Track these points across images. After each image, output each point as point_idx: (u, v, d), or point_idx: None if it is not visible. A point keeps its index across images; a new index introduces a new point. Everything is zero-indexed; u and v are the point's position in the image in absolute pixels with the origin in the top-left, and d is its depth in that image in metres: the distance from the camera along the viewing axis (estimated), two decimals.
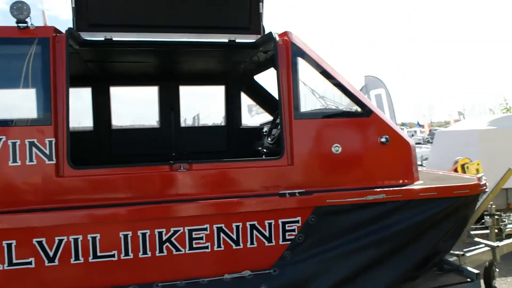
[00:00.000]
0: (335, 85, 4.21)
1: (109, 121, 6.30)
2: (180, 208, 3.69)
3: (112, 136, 6.31)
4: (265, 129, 6.18)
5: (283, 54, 4.13)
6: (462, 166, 6.26)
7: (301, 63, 4.17)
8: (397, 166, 4.30)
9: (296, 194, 3.75)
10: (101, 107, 6.21)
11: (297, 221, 3.77)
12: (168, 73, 6.32)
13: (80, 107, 6.28)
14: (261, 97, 6.69)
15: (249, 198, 3.71)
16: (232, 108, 6.71)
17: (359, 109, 4.23)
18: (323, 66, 4.22)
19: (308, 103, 4.22)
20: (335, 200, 3.78)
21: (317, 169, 4.06)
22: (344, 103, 4.35)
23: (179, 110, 6.51)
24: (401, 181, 4.24)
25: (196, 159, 3.96)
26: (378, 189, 3.91)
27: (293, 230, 3.77)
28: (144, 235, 3.60)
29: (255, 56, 5.47)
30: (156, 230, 3.62)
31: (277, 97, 6.43)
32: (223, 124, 6.81)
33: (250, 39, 4.80)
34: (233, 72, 6.39)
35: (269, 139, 5.20)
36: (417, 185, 4.20)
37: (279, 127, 4.98)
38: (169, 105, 6.43)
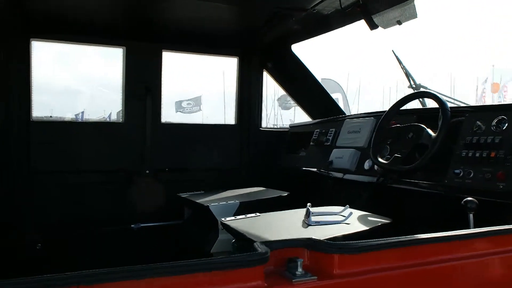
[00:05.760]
0: None
1: (27, 108, 3.32)
2: None
3: (32, 137, 3.33)
4: (317, 135, 3.53)
5: None
6: None
7: None
8: None
9: None
10: (12, 79, 3.22)
11: None
12: (145, 23, 3.46)
13: None
14: (299, 81, 4.01)
15: None
16: (250, 96, 3.97)
17: None
18: None
19: None
20: None
21: None
22: None
23: (160, 93, 3.66)
24: None
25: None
26: None
27: None
28: None
29: None
30: None
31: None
32: (232, 122, 4.04)
33: None
34: (260, 33, 3.65)
35: (381, 159, 2.54)
36: None
37: (424, 136, 2.33)
38: (143, 84, 3.57)
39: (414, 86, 3.44)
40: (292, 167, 3.72)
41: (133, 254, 3.48)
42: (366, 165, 2.82)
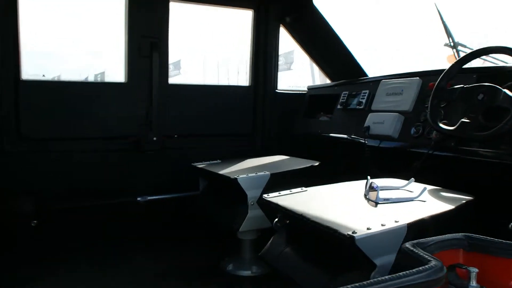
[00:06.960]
0: None
1: (16, 65, 2.86)
2: None
3: (22, 99, 2.89)
4: (345, 97, 3.18)
5: None
6: None
7: None
8: None
9: None
10: None
11: None
12: None
13: None
14: (321, 39, 3.62)
15: None
16: (266, 54, 3.57)
17: None
18: None
19: None
20: None
21: None
22: None
23: (167, 49, 3.24)
24: None
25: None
26: None
27: None
28: None
29: None
30: None
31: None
32: (245, 84, 3.66)
33: None
34: None
35: (442, 124, 2.20)
36: None
37: (502, 98, 1.99)
38: (149, 39, 3.14)
39: (452, 44, 3.11)
40: (313, 133, 3.38)
41: (140, 229, 3.14)
42: (413, 131, 2.50)
